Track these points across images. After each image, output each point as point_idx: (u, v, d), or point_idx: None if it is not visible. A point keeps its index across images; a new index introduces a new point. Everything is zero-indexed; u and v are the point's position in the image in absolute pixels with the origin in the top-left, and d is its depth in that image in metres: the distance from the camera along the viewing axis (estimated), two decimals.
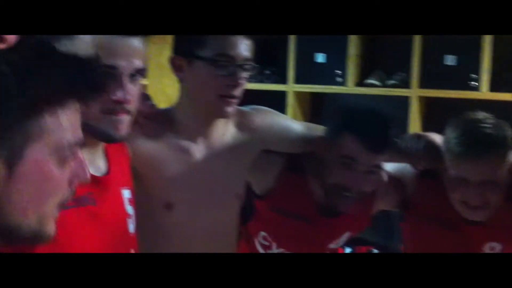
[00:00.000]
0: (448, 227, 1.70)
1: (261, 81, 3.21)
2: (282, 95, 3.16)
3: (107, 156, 1.30)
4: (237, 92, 1.45)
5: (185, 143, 1.49)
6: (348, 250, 3.16)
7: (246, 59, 1.44)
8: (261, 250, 1.83)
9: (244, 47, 1.43)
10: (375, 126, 1.57)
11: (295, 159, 1.69)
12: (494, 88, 2.71)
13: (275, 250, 1.79)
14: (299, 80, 3.15)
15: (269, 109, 1.67)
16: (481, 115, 1.59)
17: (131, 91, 1.21)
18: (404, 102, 2.86)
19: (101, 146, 1.28)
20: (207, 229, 1.52)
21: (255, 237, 1.83)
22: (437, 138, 1.65)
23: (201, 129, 1.50)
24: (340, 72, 3.06)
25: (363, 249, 3.18)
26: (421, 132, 1.74)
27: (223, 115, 1.48)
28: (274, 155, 1.67)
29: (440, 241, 1.73)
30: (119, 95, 1.18)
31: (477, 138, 1.53)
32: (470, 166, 1.54)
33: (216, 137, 1.52)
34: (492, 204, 1.58)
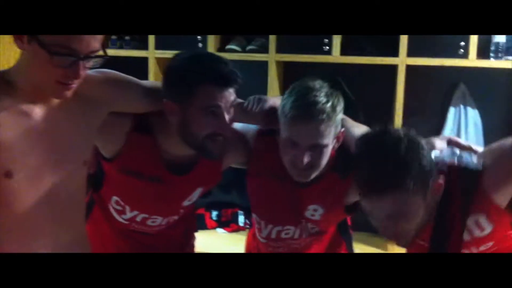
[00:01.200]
0: (281, 182, 1.82)
1: (121, 47, 3.14)
2: (143, 61, 3.12)
3: None
4: (77, 80, 1.41)
5: (25, 107, 1.41)
6: (214, 213, 3.25)
7: (92, 51, 1.38)
8: (115, 215, 1.83)
9: (90, 39, 1.36)
10: (224, 62, 1.61)
11: (142, 119, 1.69)
12: (344, 52, 2.88)
13: (128, 213, 1.80)
14: (160, 46, 3.13)
15: (115, 71, 1.63)
16: (318, 83, 1.69)
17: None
18: (263, 66, 2.95)
19: None
20: (50, 197, 1.47)
21: (108, 203, 1.82)
22: (277, 101, 1.75)
23: (41, 95, 1.43)
24: (200, 38, 3.08)
25: (228, 212, 3.28)
26: (263, 95, 1.82)
27: (60, 97, 1.44)
28: (121, 116, 1.65)
29: (274, 194, 1.86)
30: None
31: (307, 103, 1.63)
32: (300, 130, 1.64)
33: (59, 102, 1.47)
34: (317, 166, 1.71)
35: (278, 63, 2.97)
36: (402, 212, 1.47)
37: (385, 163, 1.43)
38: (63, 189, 1.50)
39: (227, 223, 3.26)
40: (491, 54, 2.78)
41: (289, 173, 1.73)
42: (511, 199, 1.50)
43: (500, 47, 2.77)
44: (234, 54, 2.99)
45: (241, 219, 3.26)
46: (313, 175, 1.73)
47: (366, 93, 2.88)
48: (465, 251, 1.56)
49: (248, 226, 3.16)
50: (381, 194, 1.44)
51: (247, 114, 1.76)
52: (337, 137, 1.71)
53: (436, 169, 1.47)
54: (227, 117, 1.60)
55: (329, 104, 1.64)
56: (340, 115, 1.70)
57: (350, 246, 2.07)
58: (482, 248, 1.57)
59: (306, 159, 1.66)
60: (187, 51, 1.68)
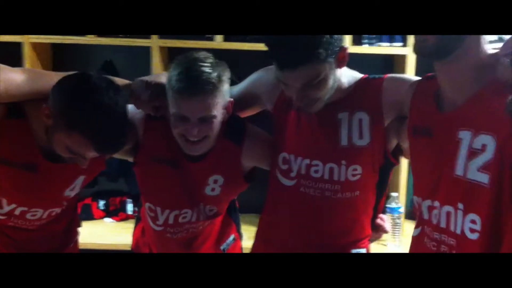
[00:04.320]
0: (173, 166, 1.81)
1: None
2: (17, 46, 2.95)
3: None
4: None
5: None
6: (101, 202, 3.18)
7: None
8: None
9: None
10: (107, 127, 1.52)
11: (15, 104, 1.60)
12: (227, 38, 2.92)
13: (6, 207, 1.70)
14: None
15: None
16: (202, 54, 1.68)
17: None
18: (146, 52, 2.91)
19: None
20: None
21: None
22: (163, 78, 1.73)
23: None
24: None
25: (116, 200, 3.22)
26: (146, 77, 1.79)
27: None
28: None
29: (167, 179, 1.84)
30: None
31: (192, 75, 1.62)
32: (188, 104, 1.63)
33: None
34: (209, 137, 1.71)
35: (162, 48, 2.94)
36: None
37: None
38: None
39: (116, 212, 3.20)
40: (365, 41, 2.93)
41: (181, 148, 1.72)
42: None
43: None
44: (117, 39, 2.93)
45: (129, 207, 3.21)
46: (206, 147, 1.74)
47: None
48: None
49: (136, 215, 3.13)
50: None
51: (136, 99, 1.73)
52: (226, 108, 1.72)
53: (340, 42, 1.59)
54: (86, 163, 1.60)
55: (214, 74, 1.64)
56: (227, 85, 1.70)
57: (238, 227, 2.11)
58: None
59: (197, 132, 1.67)
60: None
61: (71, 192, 1.78)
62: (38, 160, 1.64)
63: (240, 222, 2.13)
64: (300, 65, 1.53)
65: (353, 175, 1.72)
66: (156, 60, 2.91)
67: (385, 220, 1.94)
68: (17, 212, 1.72)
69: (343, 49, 1.60)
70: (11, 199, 1.69)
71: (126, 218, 3.19)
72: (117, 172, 3.12)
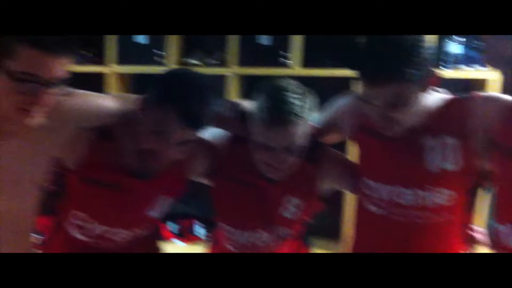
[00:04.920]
0: (250, 186, 1.79)
1: (80, 63, 3.09)
2: (102, 77, 3.08)
3: None
4: (39, 107, 1.37)
5: None
6: (171, 224, 3.21)
7: (55, 79, 1.35)
8: (77, 234, 1.77)
9: (53, 65, 1.33)
10: (191, 102, 1.55)
11: (103, 126, 1.65)
12: (305, 65, 2.91)
13: (91, 227, 1.74)
14: (119, 61, 3.09)
15: (79, 91, 1.60)
16: (289, 83, 1.65)
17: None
18: (223, 80, 2.95)
19: None
20: None
21: (69, 219, 1.76)
22: (249, 105, 1.72)
23: (5, 123, 1.40)
24: (160, 52, 3.06)
25: (185, 223, 3.25)
26: (234, 100, 1.81)
27: (22, 125, 1.40)
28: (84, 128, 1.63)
29: (244, 200, 1.82)
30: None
31: (280, 107, 1.59)
32: (272, 134, 1.61)
33: (20, 130, 1.43)
34: (292, 163, 1.68)
35: (239, 77, 2.97)
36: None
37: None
38: (12, 213, 1.48)
39: (184, 235, 3.23)
40: (444, 64, 2.84)
41: (262, 171, 1.70)
42: None
43: (452, 57, 2.84)
44: (195, 68, 2.98)
45: (199, 230, 3.23)
46: (287, 172, 1.71)
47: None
48: None
49: (208, 239, 3.14)
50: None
51: (221, 119, 1.73)
52: (309, 134, 1.69)
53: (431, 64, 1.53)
54: (170, 150, 1.58)
55: (301, 105, 1.61)
56: (312, 113, 1.66)
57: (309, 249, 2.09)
58: None
59: (279, 160, 1.65)
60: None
61: (154, 213, 1.80)
62: (122, 178, 1.68)
63: (311, 246, 2.10)
64: (387, 83, 1.47)
65: (443, 200, 1.64)
66: (232, 88, 2.94)
67: (482, 232, 1.83)
68: (101, 232, 1.76)
69: (435, 75, 1.54)
70: (97, 219, 1.73)
71: (194, 240, 3.21)
72: (188, 194, 3.15)
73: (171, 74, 1.64)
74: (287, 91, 1.62)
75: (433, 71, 1.53)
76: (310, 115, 1.65)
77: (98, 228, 1.74)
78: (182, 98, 1.53)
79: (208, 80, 1.64)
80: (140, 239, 1.86)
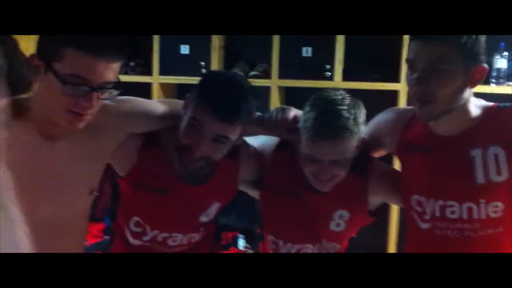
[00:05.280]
0: (298, 198, 1.79)
1: (126, 73, 3.18)
2: (147, 86, 3.16)
3: None
4: (89, 111, 1.41)
5: (33, 136, 1.41)
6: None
7: (106, 82, 1.38)
8: (135, 241, 1.82)
9: (104, 70, 1.36)
10: (228, 95, 1.56)
11: (152, 133, 1.69)
12: (346, 77, 2.93)
13: (149, 233, 1.79)
14: (164, 71, 3.17)
15: (129, 97, 1.65)
16: (339, 95, 1.63)
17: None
18: (266, 91, 3.00)
19: None
20: (49, 225, 1.45)
21: (126, 227, 1.81)
22: (299, 112, 1.72)
23: (53, 125, 1.43)
24: (204, 63, 3.12)
25: (228, 235, 3.27)
26: (285, 106, 1.82)
27: (71, 128, 1.43)
28: (132, 134, 1.66)
29: (291, 211, 1.81)
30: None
31: (330, 121, 1.57)
32: (322, 148, 1.60)
33: (68, 134, 1.46)
34: (340, 176, 1.67)
35: (281, 88, 3.00)
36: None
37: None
38: (63, 218, 1.50)
39: (227, 247, 3.25)
40: (492, 80, 2.81)
41: (311, 184, 1.70)
42: None
43: (501, 72, 2.80)
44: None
45: (241, 243, 3.26)
46: (336, 184, 1.70)
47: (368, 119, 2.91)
48: None
49: (248, 250, 3.16)
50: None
51: (270, 125, 1.74)
52: (358, 145, 1.67)
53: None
54: (205, 145, 1.59)
55: (352, 118, 1.58)
56: (362, 127, 1.64)
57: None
58: None
59: (328, 173, 1.64)
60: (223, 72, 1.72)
61: (206, 218, 1.82)
62: (172, 183, 1.72)
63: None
64: (434, 40, 1.44)
65: (494, 212, 1.59)
66: (274, 100, 2.97)
67: None
68: (159, 238, 1.79)
69: (482, 67, 1.49)
70: (153, 225, 1.77)
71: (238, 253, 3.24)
72: (230, 207, 3.17)
73: (212, 72, 1.68)
74: (340, 104, 1.60)
75: (482, 65, 1.49)
76: (360, 129, 1.63)
77: (158, 236, 1.79)
78: (217, 90, 1.56)
79: (247, 81, 1.65)
80: (197, 243, 1.87)
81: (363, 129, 1.66)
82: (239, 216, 3.23)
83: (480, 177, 1.57)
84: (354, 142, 1.62)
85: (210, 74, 1.70)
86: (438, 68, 1.45)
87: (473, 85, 1.52)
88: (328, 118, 1.58)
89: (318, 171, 1.64)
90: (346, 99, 1.61)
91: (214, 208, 1.81)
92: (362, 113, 1.64)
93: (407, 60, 1.52)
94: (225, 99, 1.54)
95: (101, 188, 2.07)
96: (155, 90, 3.15)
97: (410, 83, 1.54)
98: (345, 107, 1.59)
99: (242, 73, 3.06)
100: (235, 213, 3.23)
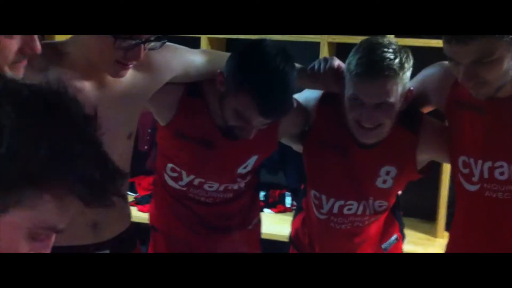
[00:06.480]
0: (343, 152, 1.78)
1: None
2: (195, 40, 3.14)
3: None
4: (135, 62, 1.45)
5: (75, 81, 1.44)
6: (262, 193, 3.27)
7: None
8: (172, 183, 1.85)
9: None
10: (275, 94, 1.54)
11: (195, 83, 1.71)
12: (397, 35, 2.83)
13: (185, 178, 1.82)
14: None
15: (169, 43, 1.64)
16: (386, 40, 1.63)
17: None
18: (315, 47, 2.94)
19: None
20: None
21: (164, 172, 1.85)
22: (343, 64, 1.71)
23: (94, 71, 1.48)
24: None
25: (276, 193, 3.30)
26: (328, 56, 1.79)
27: (116, 76, 1.48)
28: (174, 83, 1.67)
29: (336, 166, 1.81)
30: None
31: (374, 60, 1.57)
32: (367, 87, 1.59)
33: (110, 79, 1.50)
34: (384, 126, 1.65)
35: (331, 44, 2.94)
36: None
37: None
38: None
39: (274, 204, 3.28)
40: None
41: (354, 134, 1.69)
42: None
43: None
44: (286, 36, 2.98)
45: (288, 201, 3.28)
46: (380, 136, 1.68)
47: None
48: None
49: (294, 208, 3.17)
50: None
51: (314, 76, 1.73)
52: (405, 96, 1.65)
53: None
54: (252, 133, 1.61)
55: (396, 61, 1.58)
56: (408, 73, 1.63)
57: (402, 227, 2.04)
58: None
59: (372, 119, 1.62)
60: (275, 46, 1.60)
61: (244, 170, 1.84)
62: (214, 137, 1.74)
63: (403, 222, 2.06)
64: (472, 40, 1.41)
65: None
66: (324, 55, 2.91)
67: None
68: (195, 182, 1.84)
69: None
70: (189, 170, 1.81)
71: (284, 210, 3.26)
72: (278, 165, 3.19)
73: (249, 55, 1.59)
74: (383, 46, 1.59)
75: None
76: (406, 75, 1.61)
77: (195, 180, 1.81)
78: (262, 85, 1.53)
79: (290, 62, 1.58)
80: (237, 192, 1.89)
81: (409, 77, 1.64)
82: (286, 174, 3.24)
83: None
84: (399, 87, 1.60)
85: (251, 56, 1.59)
86: (482, 62, 1.43)
87: None
88: (373, 57, 1.57)
89: (362, 117, 1.62)
90: (392, 44, 1.61)
91: (252, 161, 1.82)
92: (409, 59, 1.62)
93: (452, 61, 1.49)
94: (272, 98, 1.52)
95: (151, 141, 2.12)
96: (203, 45, 3.13)
97: (457, 74, 1.50)
98: (391, 50, 1.58)
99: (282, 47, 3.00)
100: (282, 171, 3.25)
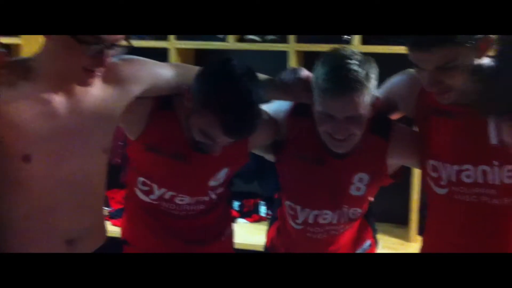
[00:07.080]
0: (317, 163, 1.79)
1: (142, 38, 3.15)
2: (164, 52, 3.13)
3: None
4: (102, 68, 1.45)
5: (45, 94, 1.45)
6: (236, 203, 3.26)
7: (117, 40, 1.43)
8: (143, 197, 1.84)
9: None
10: (240, 116, 1.54)
11: (165, 97, 1.70)
12: (365, 41, 2.87)
13: (156, 192, 1.80)
14: (180, 36, 3.13)
15: (137, 57, 1.66)
16: (349, 51, 1.65)
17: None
18: (282, 56, 2.95)
19: None
20: (69, 182, 1.52)
21: (135, 187, 1.83)
22: (310, 73, 1.72)
23: (63, 82, 1.48)
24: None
25: (250, 202, 3.29)
26: (297, 67, 1.79)
27: (84, 85, 1.48)
28: (144, 97, 1.67)
29: (311, 177, 1.82)
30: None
31: (341, 75, 1.58)
32: (335, 103, 1.61)
33: (79, 90, 1.50)
34: (355, 135, 1.67)
35: (298, 53, 2.96)
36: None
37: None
38: (82, 175, 1.55)
39: (249, 214, 3.28)
40: None
41: (327, 145, 1.70)
42: None
43: None
44: (254, 44, 2.99)
45: (262, 210, 3.28)
46: (352, 145, 1.70)
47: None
48: None
49: (269, 217, 3.17)
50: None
51: (283, 87, 1.74)
52: (373, 104, 1.68)
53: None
54: (219, 149, 1.63)
55: (363, 73, 1.59)
56: (374, 82, 1.65)
57: (375, 233, 2.06)
58: None
59: (343, 131, 1.64)
60: (230, 66, 1.61)
61: (215, 183, 1.83)
62: (186, 150, 1.73)
63: (376, 228, 2.08)
64: (434, 47, 1.44)
65: (509, 177, 1.59)
66: (292, 65, 2.93)
67: None
68: (167, 196, 1.82)
69: (486, 38, 1.48)
70: (161, 184, 1.79)
71: (258, 219, 3.25)
72: (252, 174, 3.18)
73: (214, 74, 1.60)
74: (348, 58, 1.60)
75: (486, 37, 1.47)
76: (373, 84, 1.63)
77: (166, 194, 1.80)
78: (226, 108, 1.53)
79: (255, 81, 1.59)
80: (208, 205, 1.88)
81: (375, 86, 1.66)
82: (260, 183, 3.23)
83: (493, 138, 1.56)
84: (367, 98, 1.61)
85: (216, 76, 1.60)
86: (445, 68, 1.46)
87: (481, 55, 1.51)
88: (339, 72, 1.58)
89: (333, 130, 1.64)
90: (356, 54, 1.62)
91: (223, 173, 1.81)
92: (373, 69, 1.64)
93: (416, 67, 1.52)
94: (236, 118, 1.53)
95: (123, 154, 2.09)
96: (172, 56, 3.12)
97: (422, 80, 1.54)
98: (356, 62, 1.59)
99: (259, 38, 3.03)
100: (257, 180, 3.24)
